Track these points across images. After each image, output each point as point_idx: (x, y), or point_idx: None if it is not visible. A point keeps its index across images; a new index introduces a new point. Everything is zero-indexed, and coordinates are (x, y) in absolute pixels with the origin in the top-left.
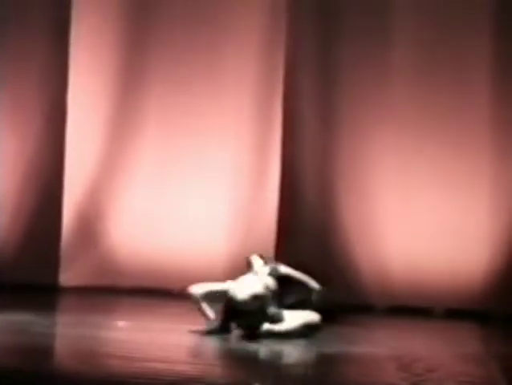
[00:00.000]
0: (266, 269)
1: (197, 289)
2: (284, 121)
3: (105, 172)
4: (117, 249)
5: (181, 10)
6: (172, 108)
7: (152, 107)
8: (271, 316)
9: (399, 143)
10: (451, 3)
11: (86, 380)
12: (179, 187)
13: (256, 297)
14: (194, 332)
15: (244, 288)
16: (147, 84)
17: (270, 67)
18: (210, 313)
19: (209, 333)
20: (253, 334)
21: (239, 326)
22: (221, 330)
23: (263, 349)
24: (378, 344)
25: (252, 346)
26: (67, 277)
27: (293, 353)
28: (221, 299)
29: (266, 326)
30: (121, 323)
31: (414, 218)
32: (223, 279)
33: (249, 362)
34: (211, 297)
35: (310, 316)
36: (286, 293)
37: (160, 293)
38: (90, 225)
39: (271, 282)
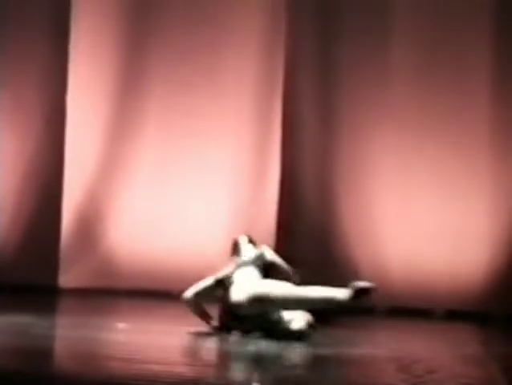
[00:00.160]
0: (252, 254)
1: (188, 294)
2: (284, 122)
3: (105, 172)
4: (117, 250)
5: (181, 10)
6: (172, 109)
7: (152, 107)
8: (272, 319)
9: (399, 143)
10: (451, 3)
11: (85, 382)
12: (179, 188)
13: (255, 301)
14: (193, 334)
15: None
16: (147, 85)
17: (269, 68)
18: (208, 315)
19: (209, 334)
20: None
21: (237, 328)
22: (221, 330)
23: (262, 350)
24: (378, 345)
25: (251, 348)
26: (67, 278)
27: (292, 354)
28: (213, 294)
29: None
30: (121, 325)
31: (414, 219)
32: None
33: (248, 363)
34: (204, 296)
35: (306, 315)
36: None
37: (160, 294)
38: (89, 226)
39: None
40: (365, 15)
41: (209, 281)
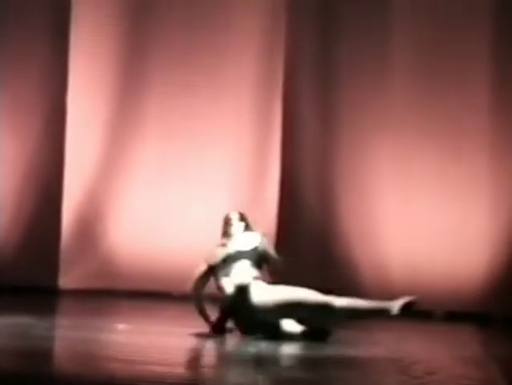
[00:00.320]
0: (247, 242)
1: (189, 290)
2: (284, 123)
3: (105, 173)
4: (117, 250)
5: (181, 12)
6: (172, 109)
7: (152, 109)
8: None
9: (399, 145)
10: (451, 4)
11: (85, 383)
12: (179, 189)
13: (286, 306)
14: (194, 335)
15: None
16: (147, 85)
17: (269, 69)
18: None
19: (209, 335)
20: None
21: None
22: (220, 331)
23: (262, 351)
24: (377, 346)
25: (251, 349)
26: (67, 279)
27: (292, 355)
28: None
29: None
30: (121, 326)
31: (414, 220)
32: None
33: (248, 364)
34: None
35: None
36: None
37: (160, 295)
38: (89, 227)
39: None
40: (365, 16)
41: (202, 267)
